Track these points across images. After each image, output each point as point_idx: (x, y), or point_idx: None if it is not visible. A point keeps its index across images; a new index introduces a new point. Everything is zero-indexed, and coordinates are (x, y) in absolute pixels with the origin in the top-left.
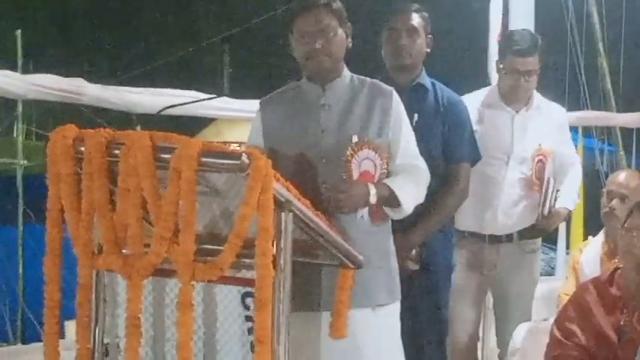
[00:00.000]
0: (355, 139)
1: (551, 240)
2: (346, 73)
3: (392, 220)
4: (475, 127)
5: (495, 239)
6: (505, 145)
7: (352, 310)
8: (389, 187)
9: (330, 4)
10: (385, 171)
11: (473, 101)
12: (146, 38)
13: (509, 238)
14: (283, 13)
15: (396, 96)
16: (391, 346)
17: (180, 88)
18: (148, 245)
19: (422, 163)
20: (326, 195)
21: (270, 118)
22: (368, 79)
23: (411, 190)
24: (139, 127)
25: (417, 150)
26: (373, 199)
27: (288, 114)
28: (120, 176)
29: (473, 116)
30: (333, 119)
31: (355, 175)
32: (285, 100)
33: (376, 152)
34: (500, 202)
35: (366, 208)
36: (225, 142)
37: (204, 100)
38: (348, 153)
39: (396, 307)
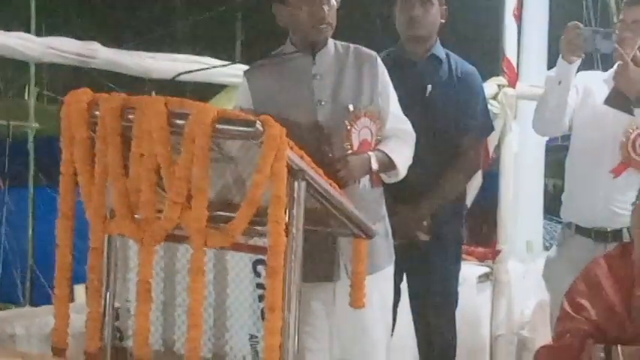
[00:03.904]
0: (351, 108)
1: None
2: (330, 40)
3: (401, 192)
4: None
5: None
6: None
7: None
8: (385, 152)
9: None
10: (379, 137)
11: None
12: (159, 3)
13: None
14: None
15: (380, 60)
16: (388, 308)
17: (193, 55)
18: (160, 211)
19: (408, 126)
20: (328, 170)
21: (259, 89)
22: (350, 45)
23: (405, 154)
24: (153, 93)
25: (401, 112)
26: (375, 167)
27: (277, 84)
28: (134, 141)
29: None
30: (327, 89)
31: (356, 145)
32: (273, 70)
33: (371, 120)
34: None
35: (367, 176)
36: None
37: (218, 67)
38: (347, 123)
39: (391, 269)
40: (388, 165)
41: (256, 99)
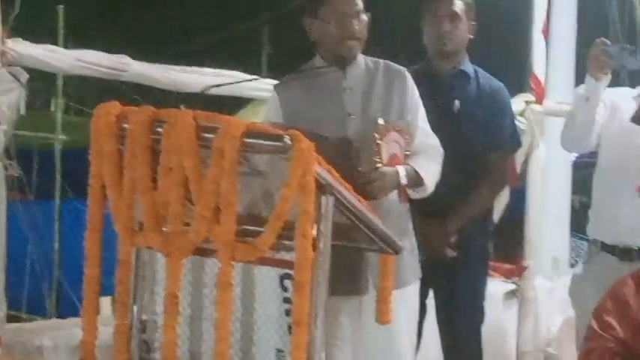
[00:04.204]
0: (381, 122)
1: None
2: (360, 55)
3: (429, 207)
4: None
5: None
6: None
7: None
8: (413, 168)
9: None
10: (408, 152)
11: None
12: (186, 17)
13: None
14: None
15: (409, 75)
16: (413, 323)
17: (219, 68)
18: (188, 224)
19: (436, 141)
20: (358, 183)
21: (290, 103)
22: (380, 60)
23: (433, 170)
24: (182, 107)
25: (429, 128)
26: (404, 181)
27: (308, 98)
28: (162, 154)
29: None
30: (357, 103)
31: (385, 159)
32: (303, 85)
33: (400, 134)
34: None
35: (395, 191)
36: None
37: (246, 80)
38: (377, 136)
39: (417, 285)
40: (416, 180)
41: (286, 113)
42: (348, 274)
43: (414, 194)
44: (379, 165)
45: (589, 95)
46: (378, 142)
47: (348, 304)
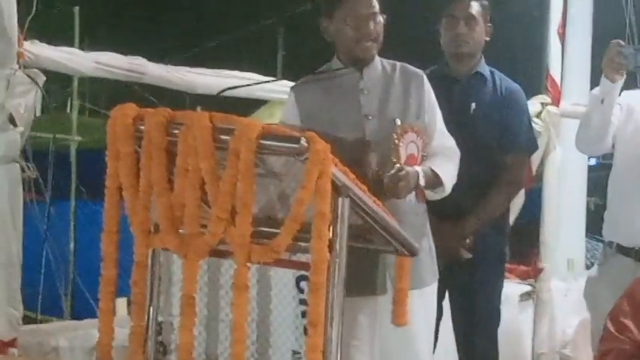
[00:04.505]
0: (398, 122)
1: None
2: (377, 57)
3: (444, 209)
4: None
5: None
6: None
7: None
8: (431, 169)
9: None
10: (425, 153)
11: None
12: (200, 18)
13: None
14: None
15: (425, 78)
16: (431, 324)
17: (233, 69)
18: (204, 226)
19: (453, 143)
20: (379, 181)
21: (307, 104)
22: (397, 62)
23: (450, 171)
24: (199, 108)
25: (446, 130)
26: (422, 182)
27: (325, 99)
28: (179, 156)
29: None
30: (374, 104)
31: (403, 159)
32: (320, 86)
33: (418, 135)
34: None
35: (413, 192)
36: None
37: (263, 82)
38: (395, 137)
39: (435, 286)
40: (435, 181)
41: (304, 114)
42: (366, 274)
43: (432, 195)
44: (397, 165)
45: (604, 97)
46: (396, 142)
47: (366, 304)
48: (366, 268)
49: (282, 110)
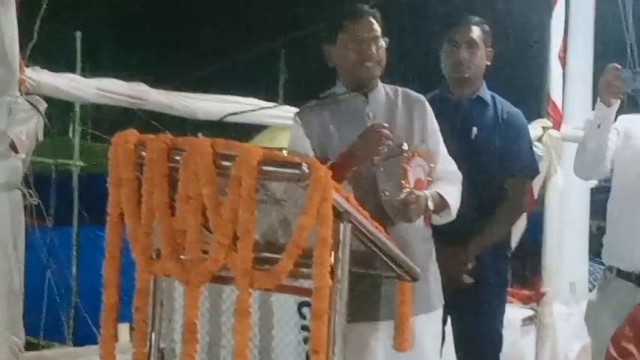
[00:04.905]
0: (406, 147)
1: None
2: (379, 82)
3: (446, 234)
4: None
5: None
6: None
7: (417, 316)
8: (437, 192)
9: (375, 13)
10: (430, 178)
11: None
12: (202, 43)
13: None
14: (327, 22)
15: (427, 103)
16: (438, 348)
17: (235, 94)
18: (206, 252)
19: (455, 167)
20: (390, 206)
21: (314, 129)
22: (398, 87)
23: (455, 195)
24: (200, 134)
25: (448, 154)
26: (431, 206)
27: (332, 124)
28: (180, 182)
29: None
30: None
31: (412, 183)
32: (326, 111)
33: (424, 159)
34: None
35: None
36: (280, 149)
37: (265, 108)
38: (404, 161)
39: (441, 311)
40: (441, 205)
41: (315, 143)
42: (376, 300)
43: (438, 219)
44: (407, 189)
45: (600, 121)
46: (405, 167)
47: (377, 328)
48: (377, 293)
49: (290, 138)
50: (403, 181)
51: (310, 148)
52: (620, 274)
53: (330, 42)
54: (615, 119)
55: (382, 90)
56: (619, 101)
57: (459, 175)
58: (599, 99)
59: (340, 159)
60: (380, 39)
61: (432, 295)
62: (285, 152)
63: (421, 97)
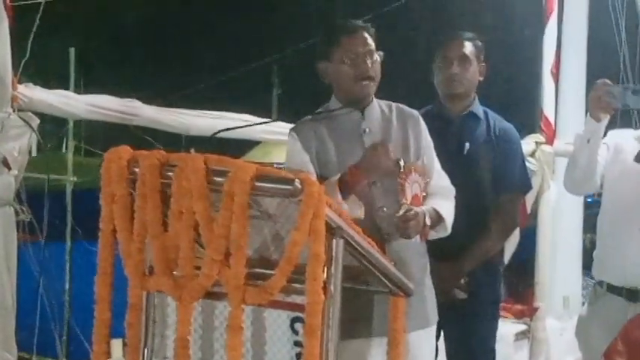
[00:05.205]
0: (402, 162)
1: None
2: (374, 97)
3: (439, 249)
4: None
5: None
6: None
7: (415, 332)
8: (433, 208)
9: (369, 28)
10: (425, 193)
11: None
12: (196, 59)
13: None
14: (321, 38)
15: (421, 118)
16: None
17: (228, 110)
18: (198, 267)
19: (449, 182)
20: (388, 222)
21: (312, 144)
22: (392, 103)
23: (450, 211)
24: (192, 150)
25: (441, 169)
26: (429, 222)
27: (329, 140)
28: (173, 198)
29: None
30: None
31: (409, 199)
32: (322, 126)
33: (420, 175)
34: None
35: None
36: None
37: (259, 124)
38: (401, 177)
39: (435, 326)
40: (437, 221)
41: (313, 158)
42: (372, 316)
43: (435, 234)
44: (405, 205)
45: (590, 136)
46: (402, 182)
47: (375, 344)
48: (374, 309)
49: (287, 153)
50: (402, 198)
51: (309, 163)
52: (611, 288)
53: (324, 58)
54: (605, 134)
55: (377, 105)
56: (609, 116)
57: (452, 190)
58: (588, 114)
59: (349, 173)
60: (375, 53)
61: (428, 310)
62: (281, 167)
63: (415, 112)
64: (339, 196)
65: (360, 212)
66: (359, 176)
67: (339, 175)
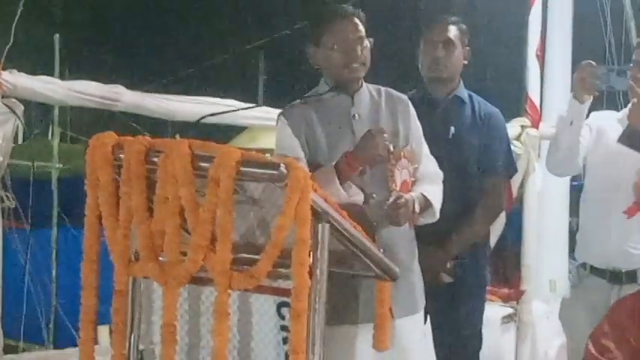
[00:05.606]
0: (391, 148)
1: None
2: (363, 82)
3: (425, 233)
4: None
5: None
6: None
7: (404, 319)
8: (422, 194)
9: (359, 13)
10: (414, 179)
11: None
12: (182, 45)
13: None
14: (310, 23)
15: (410, 102)
16: (424, 350)
17: (214, 95)
18: (184, 253)
19: (437, 166)
20: (377, 209)
21: (301, 129)
22: (381, 87)
23: (438, 196)
24: (177, 136)
25: (429, 153)
26: (418, 208)
27: (318, 125)
28: (158, 184)
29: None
30: (366, 129)
31: (398, 186)
32: (311, 111)
33: (409, 161)
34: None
35: None
36: (260, 149)
37: (243, 109)
38: (390, 164)
39: (422, 312)
40: (426, 206)
41: (303, 143)
42: (364, 301)
43: (422, 220)
44: (395, 191)
45: (573, 118)
46: (392, 169)
47: (365, 331)
48: (364, 294)
49: (277, 138)
50: (392, 185)
51: (299, 148)
52: (594, 271)
53: (314, 44)
54: (588, 116)
55: (366, 90)
56: (592, 98)
57: (440, 175)
58: (571, 95)
59: (345, 159)
60: (365, 39)
61: (416, 296)
62: (271, 153)
63: (404, 96)
64: (338, 183)
65: (360, 198)
66: (355, 163)
67: (334, 162)
